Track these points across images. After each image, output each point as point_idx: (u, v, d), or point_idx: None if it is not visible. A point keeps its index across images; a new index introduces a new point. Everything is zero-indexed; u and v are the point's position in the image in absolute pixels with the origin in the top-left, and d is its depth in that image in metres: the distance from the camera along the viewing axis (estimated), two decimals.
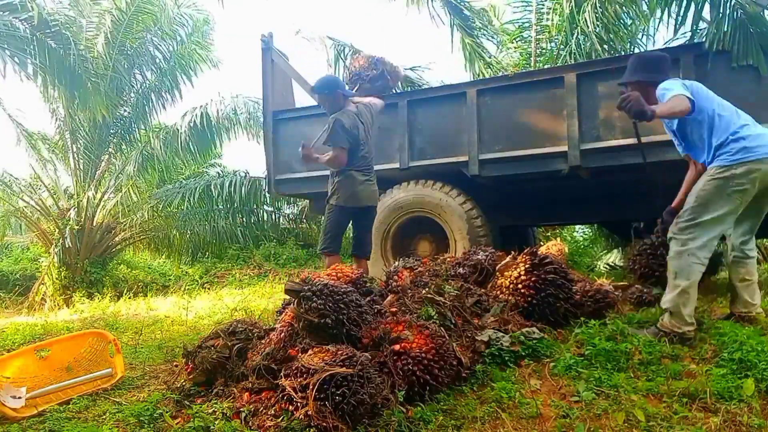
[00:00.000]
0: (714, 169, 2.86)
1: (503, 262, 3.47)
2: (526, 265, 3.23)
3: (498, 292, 3.29)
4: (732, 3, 4.30)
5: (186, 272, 11.05)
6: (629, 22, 7.26)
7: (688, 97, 2.80)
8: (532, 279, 3.16)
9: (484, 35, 8.76)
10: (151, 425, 2.20)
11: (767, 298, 3.42)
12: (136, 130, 10.56)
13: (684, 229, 2.88)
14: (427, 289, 3.05)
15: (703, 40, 4.47)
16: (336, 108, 4.29)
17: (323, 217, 4.49)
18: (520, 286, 3.19)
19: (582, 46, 6.67)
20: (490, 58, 8.41)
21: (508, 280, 3.28)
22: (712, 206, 2.83)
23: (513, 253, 3.52)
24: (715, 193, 2.83)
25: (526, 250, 3.39)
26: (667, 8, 5.13)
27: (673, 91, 2.84)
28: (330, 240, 4.29)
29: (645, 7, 6.84)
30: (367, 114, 4.43)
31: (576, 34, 6.69)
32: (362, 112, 4.38)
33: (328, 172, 5.69)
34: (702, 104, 2.92)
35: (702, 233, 2.84)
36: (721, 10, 4.32)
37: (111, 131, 10.11)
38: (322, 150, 4.42)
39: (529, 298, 3.14)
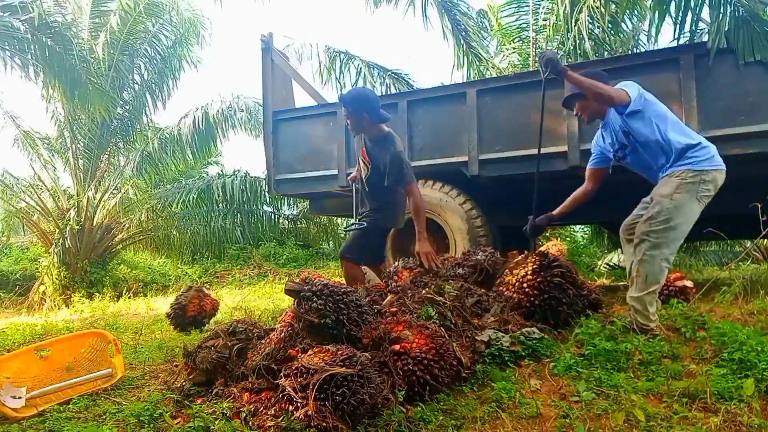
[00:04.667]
0: (684, 173, 2.89)
1: (515, 260, 3.51)
2: (534, 266, 3.26)
3: (504, 289, 3.31)
4: (732, 2, 4.29)
5: (186, 272, 11.06)
6: (627, 22, 7.27)
7: (627, 93, 2.90)
8: (538, 280, 3.18)
9: (480, 38, 8.77)
10: (151, 425, 2.20)
11: None
12: (134, 129, 10.58)
13: (657, 231, 2.88)
14: (427, 289, 3.05)
15: (706, 39, 4.46)
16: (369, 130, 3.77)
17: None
18: (525, 285, 3.22)
19: (580, 47, 6.66)
20: (486, 61, 8.40)
21: (515, 278, 3.31)
22: (685, 209, 2.87)
23: (526, 252, 3.55)
24: (689, 197, 2.86)
25: (537, 251, 3.41)
26: (664, 12, 5.09)
27: (625, 85, 2.95)
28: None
29: (641, 9, 6.84)
30: None
31: (573, 35, 6.68)
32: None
33: (328, 173, 5.71)
34: (657, 109, 2.97)
35: (674, 237, 2.88)
36: (722, 10, 4.31)
37: (111, 131, 10.12)
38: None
39: (532, 298, 3.16)
